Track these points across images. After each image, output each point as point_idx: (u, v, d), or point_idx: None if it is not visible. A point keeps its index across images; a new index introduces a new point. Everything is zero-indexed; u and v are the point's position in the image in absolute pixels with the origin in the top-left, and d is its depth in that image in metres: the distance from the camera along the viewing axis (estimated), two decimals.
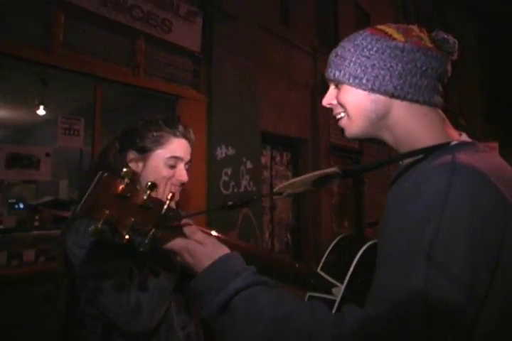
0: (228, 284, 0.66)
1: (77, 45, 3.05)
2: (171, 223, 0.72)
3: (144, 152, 1.14)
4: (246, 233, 4.51)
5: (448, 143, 0.73)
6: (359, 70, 0.76)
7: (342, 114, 0.83)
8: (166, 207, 0.70)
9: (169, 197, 0.72)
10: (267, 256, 0.90)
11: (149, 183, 0.68)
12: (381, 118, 0.78)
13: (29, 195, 4.24)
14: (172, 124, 1.19)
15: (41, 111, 4.14)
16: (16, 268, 2.52)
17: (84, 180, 1.33)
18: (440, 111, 0.80)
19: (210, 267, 0.69)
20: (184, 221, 0.75)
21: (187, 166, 1.21)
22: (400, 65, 0.74)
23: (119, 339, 1.01)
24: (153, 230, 0.68)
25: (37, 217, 3.11)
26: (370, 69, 0.76)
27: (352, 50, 0.78)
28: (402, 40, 0.75)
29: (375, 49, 0.76)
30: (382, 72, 0.75)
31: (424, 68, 0.75)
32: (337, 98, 0.82)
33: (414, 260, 0.59)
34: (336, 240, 0.96)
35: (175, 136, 1.17)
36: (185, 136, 1.20)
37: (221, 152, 4.28)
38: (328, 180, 0.81)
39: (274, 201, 5.45)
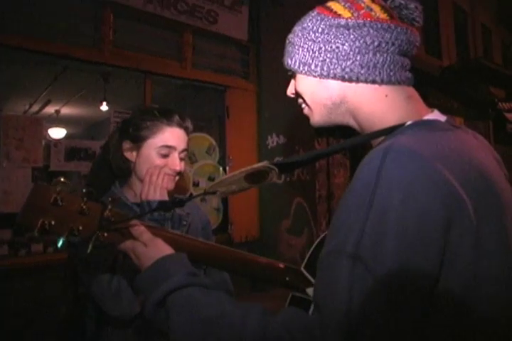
0: (159, 286, 0.66)
1: (126, 42, 3.20)
2: (115, 225, 0.73)
3: (138, 141, 1.17)
4: (299, 223, 4.46)
5: (402, 125, 0.65)
6: (307, 56, 0.70)
7: (303, 105, 0.78)
8: (107, 210, 0.72)
9: (109, 200, 0.74)
10: (230, 255, 0.89)
11: (84, 190, 0.71)
12: (338, 104, 0.71)
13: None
14: (167, 113, 1.20)
15: (104, 107, 4.43)
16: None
17: (90, 170, 1.39)
18: (407, 88, 0.71)
19: (147, 269, 0.71)
20: (132, 222, 0.76)
21: (182, 155, 1.21)
22: (346, 44, 0.67)
23: (107, 324, 1.06)
24: (96, 233, 0.70)
25: None
26: (317, 54, 0.69)
27: (300, 34, 0.71)
28: (348, 15, 0.67)
29: (320, 30, 0.68)
30: (328, 54, 0.68)
31: (376, 43, 0.66)
32: (295, 88, 0.77)
33: (339, 263, 0.53)
34: (321, 236, 0.92)
35: (169, 125, 1.18)
36: (180, 125, 1.20)
37: (272, 141, 4.25)
38: (264, 176, 0.77)
39: (331, 190, 5.32)
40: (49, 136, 2.98)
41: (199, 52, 3.68)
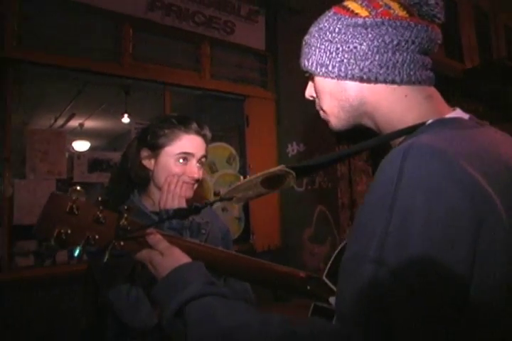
0: (176, 296, 0.65)
1: (145, 55, 3.26)
2: (131, 234, 0.73)
3: (155, 149, 1.17)
4: (322, 231, 4.39)
5: (423, 123, 0.62)
6: (324, 57, 0.68)
7: (321, 107, 0.76)
8: (123, 219, 0.72)
9: (125, 208, 0.73)
10: (250, 263, 0.87)
11: (100, 199, 0.71)
12: (357, 106, 0.69)
13: None
14: (185, 121, 1.20)
15: (126, 119, 4.51)
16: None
17: (110, 180, 1.40)
18: (428, 88, 0.68)
19: (163, 278, 0.69)
20: (149, 230, 0.75)
21: (200, 162, 1.20)
22: (364, 44, 0.64)
23: (127, 335, 1.04)
24: (112, 242, 0.70)
25: None
26: (334, 55, 0.67)
27: (316, 35, 0.69)
28: (365, 14, 0.65)
29: (336, 30, 0.66)
30: (346, 55, 0.66)
31: (395, 42, 0.63)
32: (314, 90, 0.75)
33: (361, 269, 0.50)
34: (342, 244, 0.89)
35: (186, 132, 1.18)
36: (198, 133, 1.19)
37: (292, 149, 4.22)
38: (282, 181, 0.75)
39: (353, 197, 5.23)
40: (73, 149, 3.05)
41: (217, 62, 3.72)
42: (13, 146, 2.75)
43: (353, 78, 0.66)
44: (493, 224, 0.50)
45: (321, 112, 0.75)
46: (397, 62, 0.64)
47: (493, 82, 5.56)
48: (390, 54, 0.64)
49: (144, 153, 1.19)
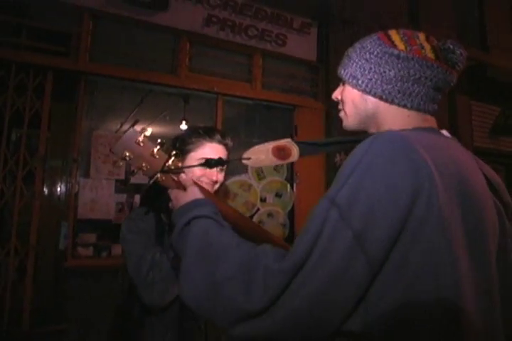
0: (187, 214, 0.82)
1: (200, 67, 3.50)
2: (172, 172, 0.95)
3: (183, 154, 1.33)
4: None
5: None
6: (358, 72, 0.82)
7: (341, 110, 0.90)
8: (171, 160, 0.95)
9: (173, 153, 0.96)
10: (254, 226, 1.03)
11: (159, 141, 0.93)
12: (370, 116, 0.83)
13: None
14: (210, 132, 1.37)
15: (183, 126, 4.82)
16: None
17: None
18: (428, 115, 0.81)
19: (181, 205, 0.88)
20: (185, 175, 0.97)
21: (220, 168, 1.35)
22: (392, 71, 0.78)
23: (151, 313, 1.21)
24: (157, 173, 0.93)
25: None
26: (366, 72, 0.81)
27: (358, 51, 0.83)
28: (402, 47, 0.79)
29: (375, 53, 0.80)
30: (375, 76, 0.80)
31: (417, 76, 0.77)
32: (341, 94, 0.88)
33: (319, 204, 0.64)
34: None
35: (210, 141, 1.34)
36: (220, 142, 1.36)
37: (340, 158, 4.25)
38: (288, 154, 0.90)
39: None
40: None
41: (268, 73, 3.88)
42: (81, 149, 3.10)
43: (374, 95, 0.81)
44: (428, 201, 0.60)
45: (342, 112, 0.89)
46: (413, 91, 0.78)
47: None
48: (409, 84, 0.78)
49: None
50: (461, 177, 0.65)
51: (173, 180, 0.96)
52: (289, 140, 0.91)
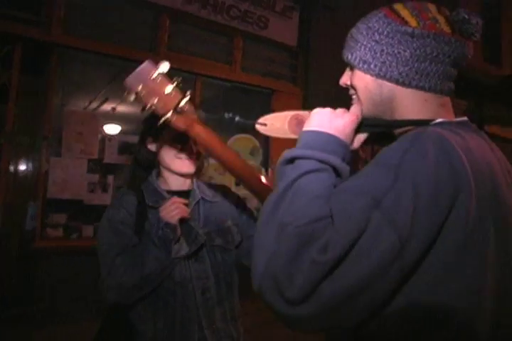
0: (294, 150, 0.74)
1: (180, 46, 3.39)
2: (183, 113, 0.90)
3: (157, 133, 1.29)
4: None
5: (432, 120, 0.73)
6: (368, 55, 0.75)
7: (354, 96, 0.85)
8: (184, 100, 0.89)
9: (188, 93, 0.90)
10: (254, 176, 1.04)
11: (175, 78, 0.87)
12: (386, 102, 0.77)
13: None
14: None
15: None
16: None
17: (131, 164, 1.53)
18: (445, 97, 0.77)
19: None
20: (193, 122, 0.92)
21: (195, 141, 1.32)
22: (408, 51, 0.72)
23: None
24: (170, 112, 0.87)
25: None
26: (378, 55, 0.74)
27: (364, 32, 0.77)
28: (414, 24, 0.72)
29: (385, 33, 0.74)
30: (389, 58, 0.73)
31: (434, 54, 0.72)
32: (350, 80, 0.84)
33: (363, 199, 0.60)
34: None
35: None
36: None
37: (364, 154, 4.28)
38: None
39: None
40: (104, 132, 3.21)
41: (248, 56, 3.81)
42: (53, 126, 2.95)
43: (390, 79, 0.74)
44: (465, 198, 0.60)
45: (354, 99, 0.83)
46: (431, 71, 0.73)
47: None
48: (427, 63, 0.72)
49: (149, 138, 1.32)
50: (492, 182, 0.66)
51: (184, 121, 0.91)
52: (316, 109, 0.85)
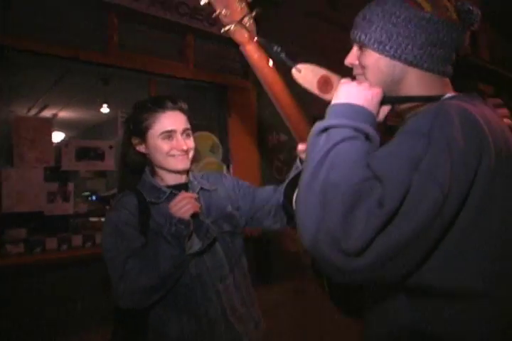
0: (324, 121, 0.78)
1: (131, 45, 3.27)
2: (244, 28, 0.97)
3: (142, 134, 1.27)
4: None
5: (441, 96, 0.79)
6: (384, 36, 0.81)
7: (361, 76, 0.89)
8: (249, 17, 1.00)
9: (255, 10, 0.98)
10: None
11: None
12: (396, 82, 0.84)
13: (100, 188, 4.63)
14: (158, 101, 1.30)
15: (105, 109, 4.49)
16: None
17: (119, 168, 1.48)
18: (446, 79, 0.85)
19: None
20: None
21: (185, 134, 1.31)
22: (423, 35, 0.79)
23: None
24: (233, 23, 0.96)
25: (107, 207, 3.44)
26: (394, 37, 0.80)
27: (380, 15, 0.81)
28: (430, 10, 0.79)
29: (402, 17, 0.79)
30: (405, 40, 0.79)
31: (445, 39, 0.79)
32: (359, 59, 0.87)
33: (403, 162, 0.65)
34: None
35: (163, 112, 1.28)
36: (173, 108, 1.30)
37: (273, 139, 4.35)
38: (329, 90, 0.89)
39: None
40: (59, 138, 3.03)
41: (200, 53, 3.77)
42: (1, 135, 2.73)
43: (404, 61, 0.80)
44: (487, 159, 0.68)
45: (361, 78, 0.88)
46: (440, 55, 0.80)
47: (457, 77, 5.87)
48: (437, 47, 0.79)
49: (135, 140, 1.30)
50: (506, 145, 0.74)
51: (242, 35, 0.97)
52: (343, 80, 0.88)
